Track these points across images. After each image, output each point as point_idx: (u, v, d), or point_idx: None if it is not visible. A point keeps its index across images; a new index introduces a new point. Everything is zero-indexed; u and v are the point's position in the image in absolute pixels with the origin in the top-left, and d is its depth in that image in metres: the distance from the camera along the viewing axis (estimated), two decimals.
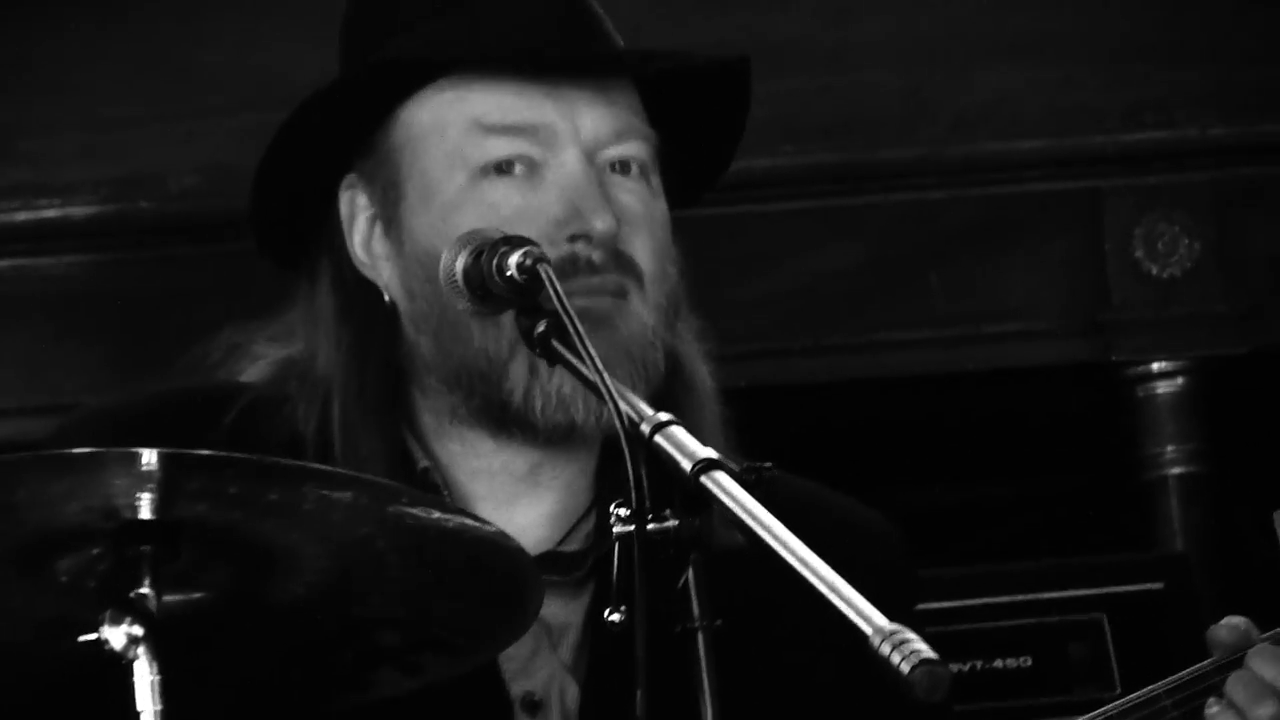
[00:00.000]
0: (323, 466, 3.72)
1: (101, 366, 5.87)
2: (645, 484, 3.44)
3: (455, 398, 4.12)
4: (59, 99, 6.26)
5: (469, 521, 3.57)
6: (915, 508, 5.24)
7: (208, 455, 3.32)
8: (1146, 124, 6.38)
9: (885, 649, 3.07)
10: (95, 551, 3.36)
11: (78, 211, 6.18)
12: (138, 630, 3.35)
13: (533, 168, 4.08)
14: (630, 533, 3.42)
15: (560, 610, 4.11)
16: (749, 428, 4.01)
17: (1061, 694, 5.15)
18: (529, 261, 3.75)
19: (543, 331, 3.74)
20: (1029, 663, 5.58)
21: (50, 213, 6.19)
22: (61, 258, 6.25)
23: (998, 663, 5.61)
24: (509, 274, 3.78)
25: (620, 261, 4.05)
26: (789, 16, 5.92)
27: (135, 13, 6.32)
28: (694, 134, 4.29)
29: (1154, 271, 6.35)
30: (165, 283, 5.86)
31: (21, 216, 6.18)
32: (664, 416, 3.45)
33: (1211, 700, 3.92)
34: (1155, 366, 6.40)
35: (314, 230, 4.21)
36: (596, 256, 4.01)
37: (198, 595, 3.41)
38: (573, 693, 4.12)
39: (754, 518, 3.31)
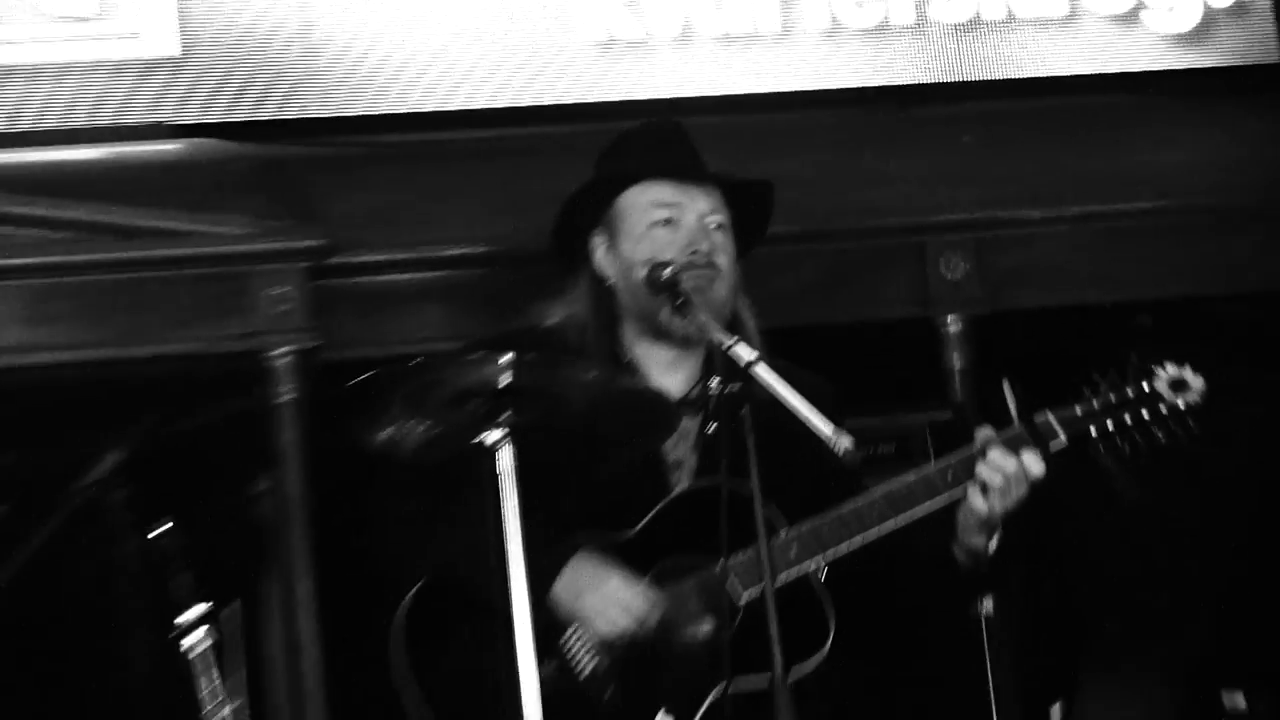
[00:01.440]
0: (582, 360, 4.97)
1: (492, 320, 5.92)
2: (724, 369, 4.68)
3: (638, 325, 5.29)
4: (469, 205, 6.50)
5: (646, 386, 5.06)
6: (838, 379, 5.26)
7: (531, 356, 4.57)
8: (959, 209, 6.76)
9: (831, 440, 4.51)
10: (482, 400, 4.58)
11: (477, 251, 6.45)
12: (501, 434, 4.56)
13: (672, 224, 5.26)
14: (719, 391, 4.72)
15: (688, 424, 5.19)
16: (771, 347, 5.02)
17: (909, 464, 5.19)
18: (674, 273, 5.10)
19: (680, 303, 5.04)
20: (893, 449, 6.10)
21: (464, 250, 6.46)
22: (474, 271, 6.42)
23: (879, 449, 6.14)
24: (665, 277, 5.10)
25: (712, 265, 5.20)
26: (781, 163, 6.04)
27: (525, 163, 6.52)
28: (752, 216, 5.45)
29: (949, 278, 6.70)
30: (519, 283, 5.79)
31: (452, 252, 6.47)
32: (733, 338, 4.72)
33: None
34: (949, 319, 6.69)
35: (580, 256, 5.38)
36: (701, 261, 5.19)
37: (526, 417, 4.56)
38: (693, 460, 5.24)
39: (772, 381, 4.63)
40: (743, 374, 4.67)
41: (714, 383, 4.81)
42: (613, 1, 6.72)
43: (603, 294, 5.36)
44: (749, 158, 5.73)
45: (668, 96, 6.60)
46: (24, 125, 6.33)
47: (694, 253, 5.21)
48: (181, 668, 5.13)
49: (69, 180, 6.20)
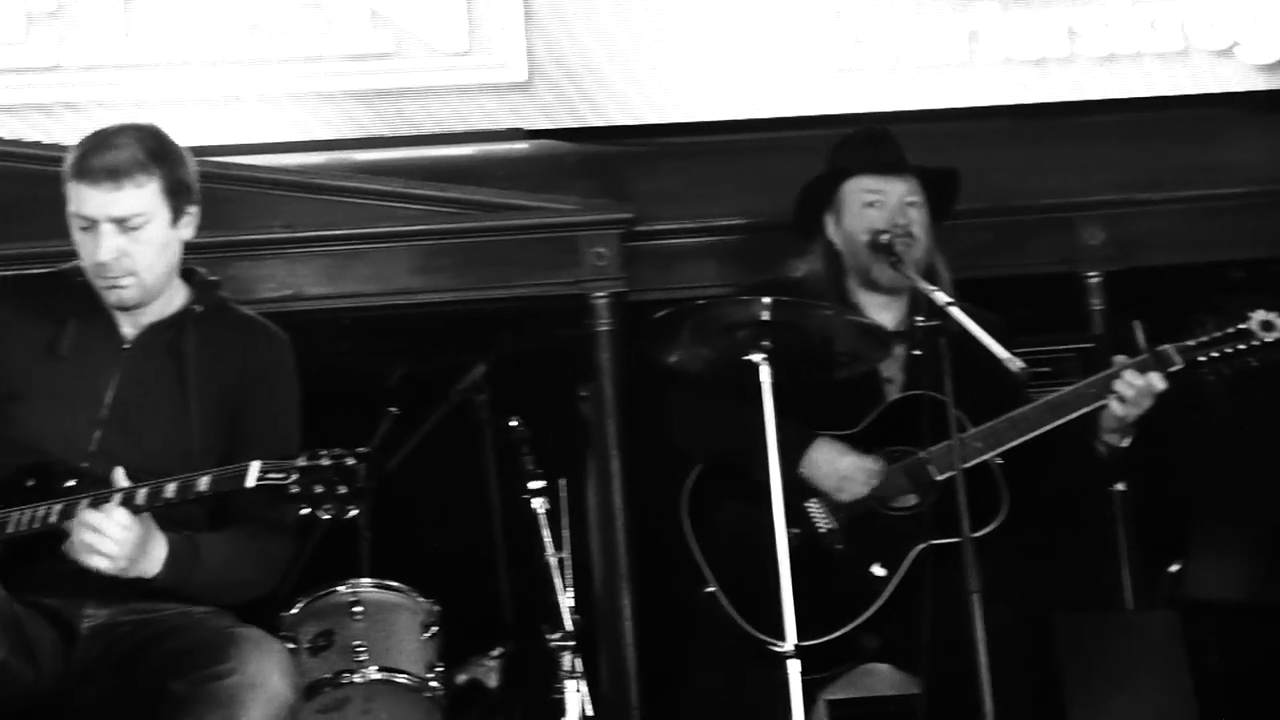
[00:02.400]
0: (822, 303, 4.86)
1: (752, 273, 5.67)
2: (926, 309, 4.74)
3: (858, 278, 5.21)
4: (736, 188, 6.29)
5: (869, 321, 4.91)
6: (1010, 317, 5.04)
7: (787, 300, 4.66)
8: (1098, 191, 6.33)
9: (1006, 362, 4.53)
10: (748, 330, 4.61)
11: (741, 221, 6.16)
12: (762, 355, 4.60)
13: (879, 205, 5.19)
14: (922, 325, 4.79)
15: (898, 350, 5.10)
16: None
17: (1065, 382, 4.98)
18: (888, 240, 5.08)
19: (894, 261, 5.02)
20: (1050, 369, 5.64)
21: (732, 221, 6.16)
22: (739, 237, 6.16)
23: (1041, 369, 5.55)
24: (882, 243, 5.06)
25: (909, 234, 5.14)
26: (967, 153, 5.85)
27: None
28: (942, 196, 5.33)
29: (1090, 242, 6.27)
30: (770, 246, 5.65)
31: (723, 222, 6.20)
32: (933, 287, 4.76)
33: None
34: (1091, 274, 6.27)
35: (816, 227, 5.31)
36: (900, 231, 5.12)
37: (780, 343, 4.59)
38: (901, 377, 5.15)
39: (962, 318, 4.63)
40: (940, 313, 4.68)
41: (918, 319, 4.88)
42: (844, 39, 6.53)
43: (832, 255, 5.30)
44: (945, 153, 5.61)
45: (883, 110, 6.42)
46: (416, 131, 6.36)
47: (895, 225, 5.14)
48: (528, 521, 5.19)
49: (449, 169, 6.20)
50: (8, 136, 5.89)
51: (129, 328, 4.34)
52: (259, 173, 5.83)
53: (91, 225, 4.20)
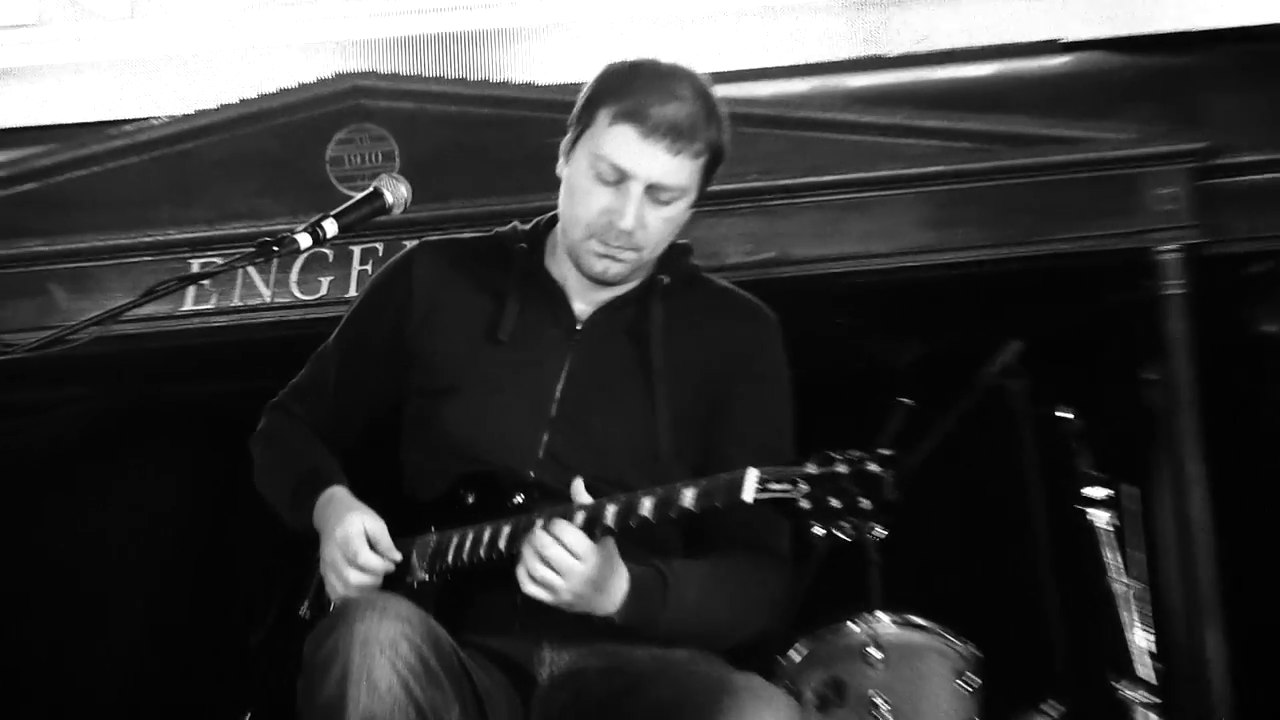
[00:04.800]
0: None
1: None
2: None
3: None
4: None
5: None
6: None
7: None
8: None
9: None
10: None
11: None
12: None
13: None
14: None
15: None
16: None
17: None
18: None
19: None
20: None
21: None
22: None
23: None
24: None
25: None
26: None
27: None
28: None
29: None
30: None
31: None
32: None
33: None
34: None
35: None
36: None
37: None
38: None
39: None
40: None
41: None
42: None
43: None
44: None
45: None
46: (925, 48, 5.88)
47: None
48: (1086, 538, 4.86)
49: (968, 94, 5.75)
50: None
51: (581, 304, 4.06)
52: (729, 107, 5.57)
53: (621, 180, 3.92)
